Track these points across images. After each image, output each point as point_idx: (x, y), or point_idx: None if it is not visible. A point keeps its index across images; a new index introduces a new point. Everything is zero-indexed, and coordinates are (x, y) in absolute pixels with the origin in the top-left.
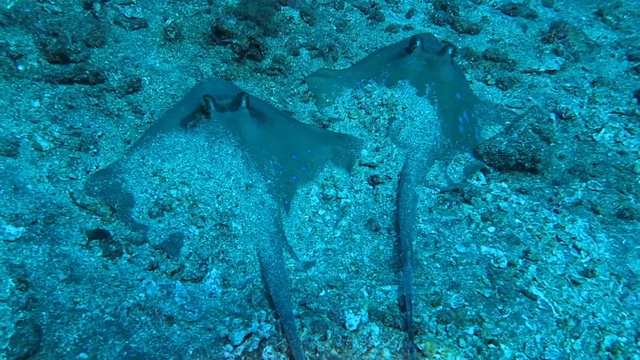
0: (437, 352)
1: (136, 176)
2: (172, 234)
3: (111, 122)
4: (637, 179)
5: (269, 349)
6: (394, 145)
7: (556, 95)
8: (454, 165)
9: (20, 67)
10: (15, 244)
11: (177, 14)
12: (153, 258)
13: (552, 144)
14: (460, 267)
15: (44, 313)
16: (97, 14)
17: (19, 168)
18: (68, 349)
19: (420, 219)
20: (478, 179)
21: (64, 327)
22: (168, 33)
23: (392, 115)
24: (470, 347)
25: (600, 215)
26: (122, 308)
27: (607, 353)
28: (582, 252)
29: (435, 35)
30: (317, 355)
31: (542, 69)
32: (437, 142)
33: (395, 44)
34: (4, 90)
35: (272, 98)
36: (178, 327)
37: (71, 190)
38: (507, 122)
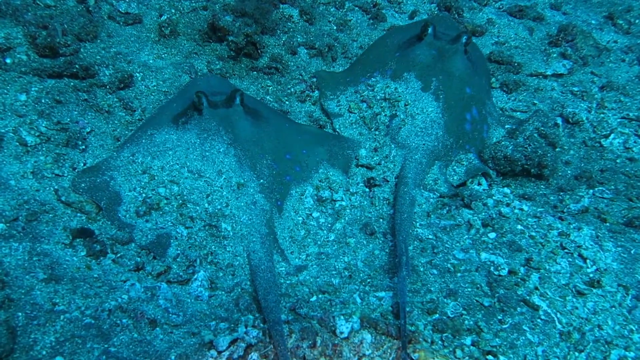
0: None
1: (125, 174)
2: (159, 234)
3: (101, 118)
4: None
5: (254, 355)
6: (392, 146)
7: (563, 100)
8: (455, 167)
9: (8, 60)
10: None
11: (173, 10)
12: (139, 259)
13: (558, 149)
14: (459, 274)
15: (19, 314)
16: (90, 9)
17: (2, 163)
18: (44, 352)
19: (417, 224)
20: (479, 184)
21: (41, 329)
22: (163, 29)
23: (394, 112)
24: (467, 358)
25: (608, 224)
26: (103, 310)
27: None
28: (587, 261)
29: None
30: None
31: (548, 73)
32: (439, 142)
33: (409, 26)
34: None
35: (268, 97)
36: (161, 331)
37: (56, 187)
38: (507, 126)
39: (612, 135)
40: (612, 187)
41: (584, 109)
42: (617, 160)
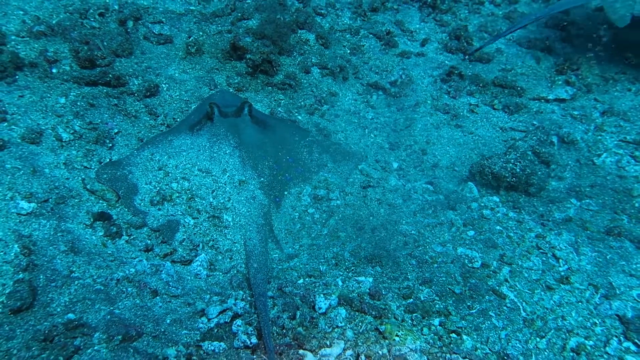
0: (397, 335)
1: (143, 169)
2: (170, 219)
3: (128, 122)
4: (633, 201)
5: (239, 321)
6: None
7: (561, 121)
8: None
9: (54, 70)
10: (26, 217)
11: (200, 32)
12: (149, 241)
13: (552, 166)
14: (435, 265)
15: (41, 276)
16: (129, 30)
17: (40, 154)
18: (58, 309)
19: (403, 222)
20: (471, 192)
21: (58, 290)
22: (189, 48)
23: None
24: (433, 335)
25: (589, 232)
26: (112, 279)
27: (571, 354)
28: (560, 260)
29: (445, 62)
30: (284, 331)
31: (550, 97)
32: None
33: None
34: (37, 88)
35: (279, 109)
36: (160, 300)
37: (83, 177)
38: None
39: (604, 154)
40: (600, 200)
41: (581, 130)
42: (607, 177)
